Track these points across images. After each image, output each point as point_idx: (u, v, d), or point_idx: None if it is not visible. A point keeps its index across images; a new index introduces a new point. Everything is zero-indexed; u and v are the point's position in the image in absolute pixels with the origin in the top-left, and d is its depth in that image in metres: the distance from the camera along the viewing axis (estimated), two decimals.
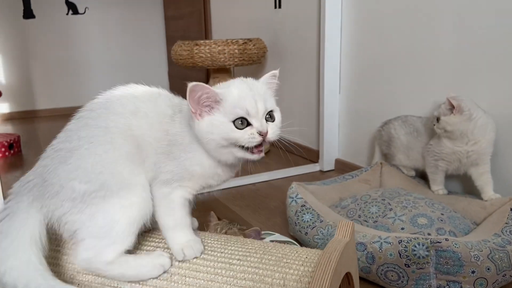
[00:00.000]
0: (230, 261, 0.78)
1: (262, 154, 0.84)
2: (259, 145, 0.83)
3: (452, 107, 1.50)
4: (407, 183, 1.79)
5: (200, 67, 2.55)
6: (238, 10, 3.24)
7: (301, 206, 1.53)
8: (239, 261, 0.76)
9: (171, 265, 0.81)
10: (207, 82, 3.92)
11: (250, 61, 2.52)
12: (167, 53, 4.81)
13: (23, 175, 0.85)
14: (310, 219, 1.48)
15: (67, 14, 4.35)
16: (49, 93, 4.44)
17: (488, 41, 1.58)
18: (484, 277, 1.17)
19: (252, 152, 0.83)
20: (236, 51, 2.46)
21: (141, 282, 0.79)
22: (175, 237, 0.85)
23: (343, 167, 2.31)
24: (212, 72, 2.68)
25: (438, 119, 1.54)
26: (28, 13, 4.21)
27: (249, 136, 0.81)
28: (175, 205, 0.85)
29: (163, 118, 0.86)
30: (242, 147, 0.82)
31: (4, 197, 1.70)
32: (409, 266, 1.20)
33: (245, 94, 0.83)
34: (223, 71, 2.64)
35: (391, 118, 1.89)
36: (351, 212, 1.56)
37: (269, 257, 0.74)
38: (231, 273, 0.74)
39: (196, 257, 0.82)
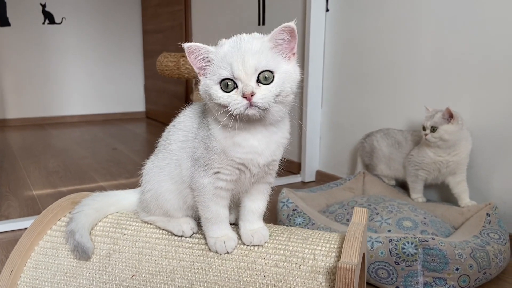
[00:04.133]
0: None
1: (253, 110, 0.74)
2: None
3: (450, 117, 1.61)
4: (388, 191, 1.89)
5: (185, 78, 2.60)
6: (220, 25, 3.32)
7: (293, 210, 1.60)
8: (269, 240, 0.81)
9: (191, 235, 0.90)
10: (186, 95, 3.97)
11: None
12: (143, 67, 4.83)
13: None
14: (302, 222, 1.54)
15: (44, 23, 4.32)
16: (20, 103, 4.35)
17: (463, 58, 1.72)
18: (467, 274, 1.26)
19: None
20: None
21: (186, 260, 0.85)
22: (210, 230, 0.86)
23: (323, 178, 2.40)
24: (196, 84, 2.73)
25: (433, 128, 1.64)
26: (3, 21, 4.14)
27: (233, 101, 0.74)
28: (210, 196, 0.84)
29: (195, 112, 0.90)
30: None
31: None
32: (398, 264, 1.28)
33: (232, 52, 0.75)
34: None
35: (373, 131, 2.00)
36: (339, 217, 1.63)
37: (296, 237, 0.80)
38: (263, 249, 0.79)
39: (227, 252, 0.84)
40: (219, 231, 0.85)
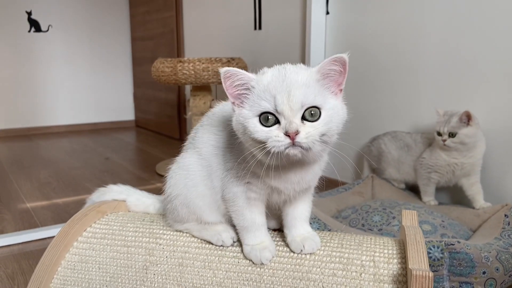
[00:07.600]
0: None
1: (294, 150, 0.67)
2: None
3: (468, 120, 1.59)
4: (398, 195, 1.86)
5: (183, 84, 2.54)
6: (214, 31, 3.28)
7: None
8: (320, 247, 0.76)
9: (231, 244, 0.84)
10: (178, 102, 3.90)
11: None
12: (133, 74, 4.74)
13: None
14: (318, 228, 1.49)
15: (29, 31, 4.20)
16: (6, 113, 4.21)
17: (472, 58, 1.71)
18: (493, 277, 1.23)
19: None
20: (220, 69, 2.48)
21: (233, 271, 0.79)
22: (245, 237, 0.81)
23: (327, 184, 2.36)
24: (193, 90, 2.68)
25: (452, 134, 1.62)
26: None
27: (273, 137, 0.67)
28: (244, 204, 0.79)
29: (230, 112, 0.82)
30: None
31: None
32: None
33: (276, 83, 0.68)
34: (204, 89, 2.65)
35: (379, 134, 1.97)
36: (354, 222, 1.59)
37: (348, 242, 0.75)
38: (316, 257, 0.74)
39: (262, 264, 0.77)
40: (255, 238, 0.80)
